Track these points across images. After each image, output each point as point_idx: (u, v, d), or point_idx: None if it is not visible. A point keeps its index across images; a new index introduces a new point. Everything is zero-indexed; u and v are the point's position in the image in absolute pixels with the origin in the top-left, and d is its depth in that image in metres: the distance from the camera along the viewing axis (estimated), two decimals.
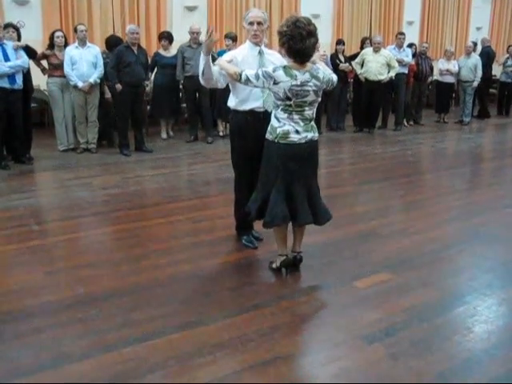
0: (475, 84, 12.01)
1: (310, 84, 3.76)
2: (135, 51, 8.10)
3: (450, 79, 12.00)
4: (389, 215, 5.75)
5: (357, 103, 11.07)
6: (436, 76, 12.48)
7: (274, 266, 4.18)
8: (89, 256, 4.49)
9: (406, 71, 11.14)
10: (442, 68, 11.93)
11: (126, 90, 8.05)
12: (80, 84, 8.00)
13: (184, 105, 9.72)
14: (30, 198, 6.10)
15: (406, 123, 11.75)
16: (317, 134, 3.98)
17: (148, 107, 9.59)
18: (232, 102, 4.39)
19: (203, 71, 4.06)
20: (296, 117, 3.82)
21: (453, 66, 11.89)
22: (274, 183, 3.91)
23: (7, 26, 7.51)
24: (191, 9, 11.33)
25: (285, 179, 3.89)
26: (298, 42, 3.65)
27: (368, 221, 5.39)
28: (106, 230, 5.22)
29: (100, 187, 6.51)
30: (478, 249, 4.75)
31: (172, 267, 4.20)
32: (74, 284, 3.90)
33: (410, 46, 11.89)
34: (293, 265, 4.17)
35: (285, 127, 3.82)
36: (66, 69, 7.95)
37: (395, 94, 11.15)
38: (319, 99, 3.91)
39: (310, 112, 3.87)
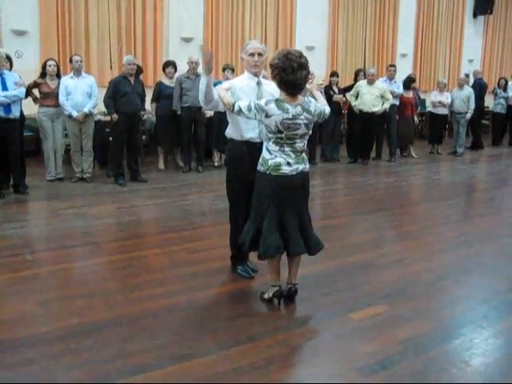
0: (468, 116, 12.12)
1: (302, 117, 3.81)
2: (132, 81, 8.16)
3: (442, 111, 12.10)
4: (384, 246, 5.74)
5: (351, 134, 11.15)
6: (429, 107, 12.58)
7: (265, 296, 4.15)
8: (82, 286, 4.45)
9: (398, 103, 11.24)
10: (435, 100, 12.04)
11: (122, 120, 8.09)
12: (75, 114, 8.04)
13: None
14: (24, 227, 6.07)
15: (413, 154, 11.86)
16: (308, 166, 4.03)
17: (144, 137, 9.61)
18: (229, 131, 4.44)
19: (205, 93, 4.13)
20: (287, 149, 3.86)
21: (445, 97, 12.00)
22: (266, 214, 3.93)
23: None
24: (187, 40, 11.45)
25: (277, 209, 3.91)
26: (289, 73, 3.71)
27: (363, 252, 5.38)
28: (100, 260, 5.18)
29: (95, 217, 6.49)
30: (474, 279, 4.75)
31: (166, 298, 4.17)
32: (67, 314, 3.86)
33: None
34: (287, 296, 4.14)
35: (276, 159, 3.86)
36: (61, 99, 7.99)
37: (387, 125, 11.23)
38: (310, 132, 3.96)
39: (301, 144, 3.92)
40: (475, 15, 16.26)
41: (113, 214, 6.67)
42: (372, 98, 10.48)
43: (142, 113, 8.56)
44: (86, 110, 8.10)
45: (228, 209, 4.63)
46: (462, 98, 12.04)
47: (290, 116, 3.76)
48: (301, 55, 3.78)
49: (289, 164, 3.87)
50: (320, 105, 4.05)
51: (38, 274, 4.70)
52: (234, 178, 4.47)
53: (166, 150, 9.66)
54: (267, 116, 3.76)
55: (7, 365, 3.19)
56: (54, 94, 8.03)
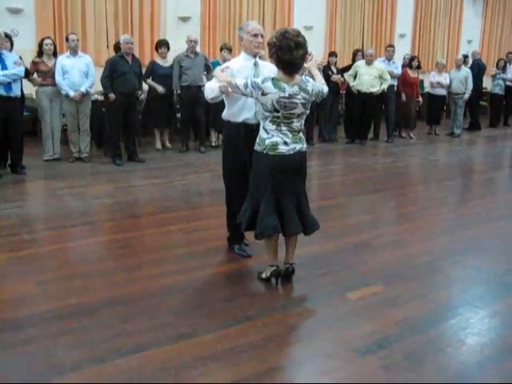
0: (466, 96, 12.09)
1: (299, 97, 3.81)
2: (129, 61, 8.11)
3: (441, 92, 12.08)
4: (381, 227, 5.76)
5: (349, 115, 11.11)
6: (427, 88, 12.55)
7: (263, 275, 4.17)
8: (81, 266, 4.46)
9: (396, 83, 11.21)
10: (433, 81, 12.00)
11: (119, 100, 8.05)
12: (71, 93, 8.00)
13: (178, 115, 9.69)
14: (22, 207, 6.07)
15: (411, 135, 11.87)
16: (305, 146, 4.03)
17: (140, 116, 9.56)
18: (225, 114, 4.41)
19: (212, 97, 4.20)
20: (284, 128, 3.86)
21: (444, 78, 11.96)
22: (264, 194, 3.93)
23: None
24: (185, 19, 11.37)
25: (274, 190, 3.92)
26: (286, 52, 3.71)
27: (360, 232, 5.39)
28: (97, 240, 5.19)
29: (92, 197, 6.50)
30: (471, 261, 4.77)
31: (165, 278, 4.18)
32: (65, 294, 3.88)
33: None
34: (285, 276, 4.16)
35: (273, 138, 3.85)
36: (58, 78, 7.95)
37: (386, 105, 11.21)
38: (307, 111, 3.95)
39: (298, 124, 3.91)
40: None
41: (110, 193, 6.67)
42: (370, 78, 10.45)
43: (139, 92, 8.51)
44: (82, 89, 8.06)
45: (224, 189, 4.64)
46: (460, 79, 12.01)
47: (287, 95, 3.75)
48: (298, 34, 3.76)
49: (286, 143, 3.86)
50: (318, 84, 4.02)
51: (36, 253, 4.71)
52: (230, 159, 4.47)
53: (159, 130, 9.62)
54: (263, 94, 3.76)
55: (7, 344, 3.20)
56: (52, 73, 7.99)
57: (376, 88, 10.45)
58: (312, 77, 4.13)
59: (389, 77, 10.56)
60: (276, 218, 3.93)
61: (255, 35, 4.22)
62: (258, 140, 3.95)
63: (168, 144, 9.71)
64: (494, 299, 4.02)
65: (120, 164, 8.14)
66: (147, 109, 9.40)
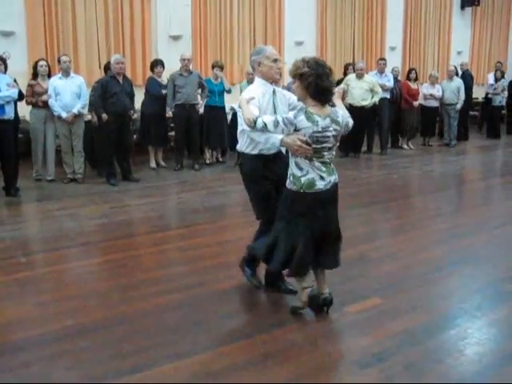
0: (459, 106, 12.19)
1: (331, 129, 3.62)
2: (120, 81, 8.13)
3: (434, 103, 12.18)
4: (377, 239, 5.77)
5: None
6: (420, 100, 12.61)
7: (299, 304, 3.90)
8: (77, 287, 4.45)
9: (389, 96, 11.29)
10: (426, 93, 12.10)
11: (111, 120, 8.06)
12: (64, 115, 8.01)
13: (171, 133, 9.72)
14: (17, 229, 6.05)
15: (411, 145, 12.04)
16: (337, 176, 3.81)
17: (134, 136, 9.57)
18: (243, 145, 4.06)
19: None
20: (317, 163, 3.65)
21: (436, 90, 12.07)
22: (304, 233, 3.71)
23: None
24: (176, 38, 11.42)
25: (315, 228, 3.71)
26: (325, 79, 3.57)
27: (356, 245, 5.38)
28: (93, 261, 5.18)
29: (87, 217, 6.48)
30: (467, 270, 4.77)
31: (161, 297, 4.17)
32: (62, 316, 3.85)
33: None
34: (323, 306, 3.88)
35: (309, 175, 3.64)
36: (50, 100, 7.97)
37: (379, 118, 11.27)
38: (337, 144, 3.78)
39: (329, 156, 3.71)
40: (463, 7, 16.29)
41: (105, 214, 6.66)
42: (361, 92, 10.51)
43: (132, 112, 8.52)
44: (75, 110, 8.07)
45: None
46: (452, 90, 12.12)
47: (320, 129, 3.57)
48: (326, 62, 3.70)
49: (322, 178, 3.66)
50: (345, 115, 3.85)
51: (32, 276, 4.69)
52: (257, 193, 4.13)
53: (154, 148, 9.63)
54: (296, 130, 3.56)
55: (5, 368, 3.18)
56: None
57: (367, 101, 10.52)
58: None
59: (380, 90, 10.63)
60: (311, 256, 3.77)
61: (275, 60, 3.98)
62: (290, 178, 3.71)
63: (162, 162, 9.71)
64: (492, 308, 4.03)
65: (114, 184, 8.13)
66: (143, 127, 9.42)
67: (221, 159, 10.12)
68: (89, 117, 8.86)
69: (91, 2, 10.34)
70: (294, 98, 3.99)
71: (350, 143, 10.78)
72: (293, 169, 3.70)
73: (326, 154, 3.67)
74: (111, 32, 10.67)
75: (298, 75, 3.61)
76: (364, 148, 11.24)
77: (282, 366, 3.22)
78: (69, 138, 8.24)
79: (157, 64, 9.36)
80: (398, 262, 4.98)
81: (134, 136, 9.48)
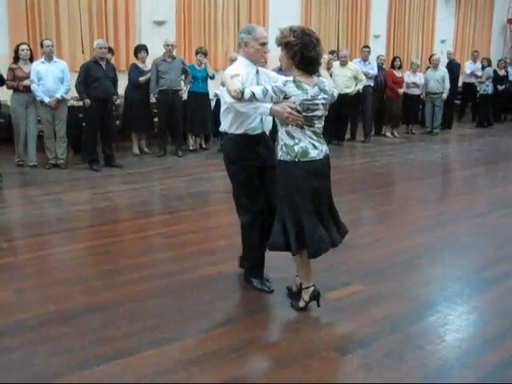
0: (444, 96, 12.29)
1: (320, 97, 3.60)
2: (103, 66, 8.06)
3: (416, 91, 12.22)
4: (360, 227, 5.79)
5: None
6: (403, 88, 12.66)
7: (300, 304, 3.78)
8: (60, 273, 4.44)
9: (372, 84, 11.34)
10: (409, 81, 12.13)
11: (94, 105, 8.00)
12: (46, 99, 7.92)
13: (155, 119, 9.66)
14: None
15: (395, 133, 12.13)
16: (328, 148, 3.80)
17: (117, 122, 9.50)
18: (225, 126, 3.97)
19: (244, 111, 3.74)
20: (308, 132, 3.61)
21: (419, 78, 12.12)
22: (304, 207, 3.62)
23: None
24: (160, 23, 11.32)
25: (313, 199, 3.64)
26: (310, 49, 3.51)
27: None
28: (76, 247, 5.15)
29: (70, 203, 6.44)
30: (448, 258, 4.83)
31: (145, 283, 4.17)
32: (44, 302, 3.84)
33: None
34: (312, 300, 3.77)
35: (301, 144, 3.59)
36: (32, 84, 7.88)
37: (362, 106, 11.30)
38: (326, 112, 3.73)
39: (319, 125, 3.68)
40: None
41: (88, 200, 6.63)
42: (345, 79, 10.51)
43: (115, 97, 8.46)
44: (58, 95, 7.99)
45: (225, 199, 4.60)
46: (437, 79, 12.18)
47: (309, 97, 3.54)
48: (313, 31, 3.62)
49: (315, 147, 3.62)
50: (331, 85, 3.78)
51: (14, 261, 4.66)
52: (241, 172, 3.98)
53: (137, 134, 9.58)
54: (286, 97, 3.51)
55: None
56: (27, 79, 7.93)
57: (351, 89, 10.52)
58: None
59: (364, 77, 10.64)
60: (325, 231, 3.67)
61: (263, 44, 3.88)
62: (283, 149, 3.63)
63: (146, 149, 9.66)
64: (472, 295, 4.08)
65: (97, 170, 8.08)
66: (126, 113, 9.35)
67: (204, 146, 10.10)
68: (72, 101, 8.80)
69: None
70: (278, 77, 3.94)
71: (333, 131, 10.81)
72: (284, 139, 3.63)
73: (316, 122, 3.64)
74: (94, 16, 10.53)
75: (283, 44, 3.56)
76: (347, 136, 11.27)
77: (264, 353, 3.25)
78: (51, 124, 8.16)
79: (140, 49, 9.29)
80: (381, 249, 5.02)
81: (117, 121, 9.40)
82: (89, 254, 4.94)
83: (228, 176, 4.09)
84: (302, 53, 3.50)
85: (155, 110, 9.56)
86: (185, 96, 9.41)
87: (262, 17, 12.61)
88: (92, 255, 4.89)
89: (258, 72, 3.96)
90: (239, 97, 3.54)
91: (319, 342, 3.34)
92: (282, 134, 3.65)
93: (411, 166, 9.35)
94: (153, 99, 9.19)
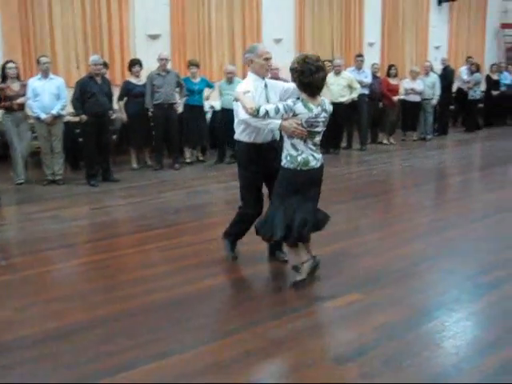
0: (434, 102, 12.38)
1: (321, 116, 4.17)
2: (98, 81, 8.12)
3: (415, 98, 12.26)
4: (357, 235, 5.83)
5: None
6: (401, 95, 12.72)
7: (298, 278, 4.35)
8: (59, 289, 4.46)
9: (367, 92, 11.39)
10: (407, 87, 12.19)
11: (91, 121, 8.05)
12: (43, 116, 7.97)
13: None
14: None
15: (392, 140, 12.19)
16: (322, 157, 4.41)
17: (114, 137, 9.53)
18: (239, 133, 4.53)
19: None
20: (310, 145, 4.21)
21: (417, 85, 12.18)
22: (294, 204, 4.25)
23: None
24: (154, 37, 11.39)
25: (305, 200, 4.28)
26: (307, 76, 4.06)
27: (337, 241, 5.44)
28: (75, 263, 5.17)
29: (68, 219, 6.46)
30: (445, 264, 4.85)
31: (144, 297, 4.19)
32: (44, 318, 3.86)
33: None
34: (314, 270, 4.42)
35: (304, 155, 4.19)
36: (28, 101, 7.92)
37: (358, 114, 11.34)
38: (325, 128, 4.30)
39: (319, 139, 4.30)
40: (440, 2, 16.39)
41: (86, 215, 6.65)
42: (339, 88, 10.57)
43: (111, 112, 8.51)
44: (54, 111, 8.03)
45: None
46: (428, 85, 12.26)
47: (313, 115, 4.10)
48: (318, 59, 4.15)
49: (314, 157, 4.24)
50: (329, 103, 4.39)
51: (13, 279, 4.68)
52: (248, 175, 4.61)
53: (137, 149, 9.62)
54: (294, 115, 4.07)
55: None
56: (18, 97, 7.96)
57: (345, 97, 10.59)
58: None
59: (358, 86, 10.70)
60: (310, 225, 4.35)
61: (267, 59, 4.42)
62: (287, 158, 4.22)
63: (149, 161, 9.67)
64: (469, 301, 4.11)
65: (95, 185, 8.11)
66: (124, 128, 9.40)
67: (201, 158, 10.13)
68: (68, 117, 8.84)
69: (68, 2, 10.27)
70: (284, 84, 4.58)
71: (329, 140, 10.85)
72: (289, 150, 4.21)
73: (316, 136, 4.24)
74: (89, 31, 10.58)
75: (290, 70, 4.19)
76: (344, 144, 11.31)
77: (265, 364, 3.27)
78: (48, 140, 8.19)
79: (134, 64, 9.34)
80: (378, 257, 5.04)
81: (114, 136, 9.44)
82: (87, 270, 4.96)
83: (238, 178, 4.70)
84: (300, 79, 4.11)
85: (152, 124, 9.59)
86: (180, 109, 9.46)
87: (255, 28, 12.67)
88: (91, 270, 4.91)
89: (266, 86, 4.48)
90: (255, 114, 4.10)
91: (318, 351, 3.36)
92: (287, 145, 4.23)
93: (407, 173, 9.39)
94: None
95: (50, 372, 3.17)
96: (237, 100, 4.29)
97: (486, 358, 3.29)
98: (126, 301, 4.13)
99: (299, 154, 4.18)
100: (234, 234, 4.88)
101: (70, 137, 8.79)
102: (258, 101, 4.28)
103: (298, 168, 4.18)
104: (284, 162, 4.24)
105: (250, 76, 4.50)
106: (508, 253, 5.12)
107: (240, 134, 4.51)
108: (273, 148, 4.53)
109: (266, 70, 4.46)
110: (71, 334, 3.62)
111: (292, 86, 4.42)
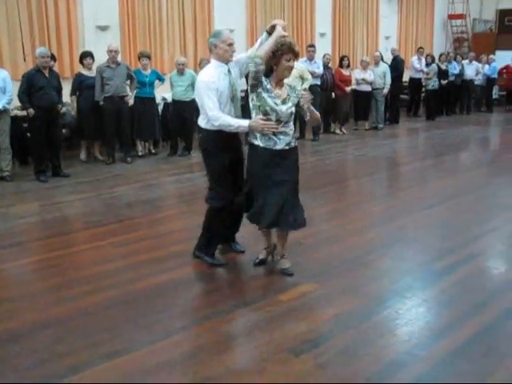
0: (385, 91, 12.63)
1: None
2: (46, 75, 7.91)
3: (366, 88, 12.44)
4: (310, 225, 5.79)
5: None
6: (353, 85, 12.84)
7: (257, 260, 4.61)
8: (7, 290, 4.33)
9: (319, 82, 11.44)
10: (359, 77, 12.36)
11: (39, 115, 7.84)
12: None
13: None
14: None
15: (344, 130, 12.32)
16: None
17: (64, 131, 9.31)
18: (205, 122, 4.39)
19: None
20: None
21: (368, 75, 12.36)
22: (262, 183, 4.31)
23: None
24: (103, 28, 11.17)
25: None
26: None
27: (291, 232, 5.42)
28: (24, 261, 5.02)
29: (17, 216, 6.27)
30: (398, 252, 4.92)
31: (95, 295, 4.11)
32: None
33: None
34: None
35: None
36: None
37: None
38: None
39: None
40: None
41: (36, 212, 6.48)
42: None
43: (60, 106, 8.31)
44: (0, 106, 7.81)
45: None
46: (379, 75, 12.49)
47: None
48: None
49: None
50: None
51: None
52: (216, 163, 4.49)
53: (88, 142, 9.45)
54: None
55: None
56: None
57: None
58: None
59: (310, 76, 10.72)
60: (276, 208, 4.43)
61: (230, 44, 4.38)
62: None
63: (99, 156, 9.51)
64: (422, 288, 4.17)
65: (44, 180, 7.91)
66: (75, 121, 9.22)
67: (153, 151, 10.02)
68: (15, 111, 8.61)
69: None
70: (239, 56, 4.54)
71: None
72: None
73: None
74: (35, 22, 10.27)
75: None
76: (297, 134, 11.32)
77: (216, 359, 3.24)
78: None
79: (86, 56, 9.16)
80: (331, 247, 5.07)
81: (64, 130, 9.23)
82: (38, 269, 4.83)
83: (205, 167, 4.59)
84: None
85: None
86: (131, 101, 9.32)
87: (207, 18, 12.56)
88: (41, 269, 4.79)
89: (229, 71, 4.40)
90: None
91: (273, 344, 3.35)
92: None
93: (360, 162, 9.48)
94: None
95: None
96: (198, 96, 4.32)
97: (437, 343, 3.35)
98: (77, 300, 4.04)
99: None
100: (215, 242, 4.69)
101: (18, 131, 8.55)
102: (223, 88, 4.28)
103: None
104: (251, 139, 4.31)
105: (214, 63, 4.41)
106: (459, 239, 5.23)
107: (207, 123, 4.37)
108: (236, 136, 4.51)
109: (229, 55, 4.40)
110: (21, 336, 3.51)
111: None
